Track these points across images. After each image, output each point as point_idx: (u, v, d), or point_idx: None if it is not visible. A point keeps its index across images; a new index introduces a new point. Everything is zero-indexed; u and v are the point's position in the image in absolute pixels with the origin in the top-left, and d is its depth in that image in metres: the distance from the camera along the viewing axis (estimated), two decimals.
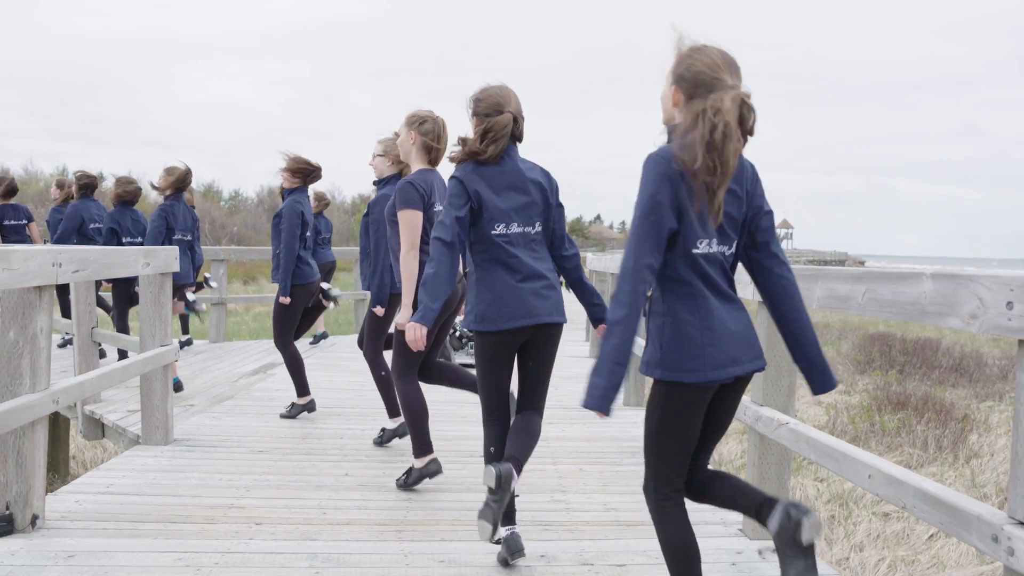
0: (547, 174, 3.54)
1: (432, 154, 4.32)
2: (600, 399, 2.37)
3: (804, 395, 13.35)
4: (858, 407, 12.09)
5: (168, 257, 5.38)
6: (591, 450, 5.49)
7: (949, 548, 7.05)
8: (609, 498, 4.44)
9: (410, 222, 4.16)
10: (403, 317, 4.15)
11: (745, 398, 3.86)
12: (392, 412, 5.41)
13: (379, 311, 5.14)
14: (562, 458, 5.24)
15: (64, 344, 9.80)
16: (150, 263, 5.10)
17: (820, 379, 2.66)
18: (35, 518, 3.77)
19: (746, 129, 2.44)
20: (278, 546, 3.65)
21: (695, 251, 2.46)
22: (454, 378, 4.68)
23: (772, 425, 3.49)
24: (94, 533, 3.76)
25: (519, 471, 3.28)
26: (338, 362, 9.24)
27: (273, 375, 8.33)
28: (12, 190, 9.60)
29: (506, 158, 3.40)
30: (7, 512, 3.71)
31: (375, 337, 5.24)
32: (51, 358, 3.88)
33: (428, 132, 4.26)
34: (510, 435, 3.41)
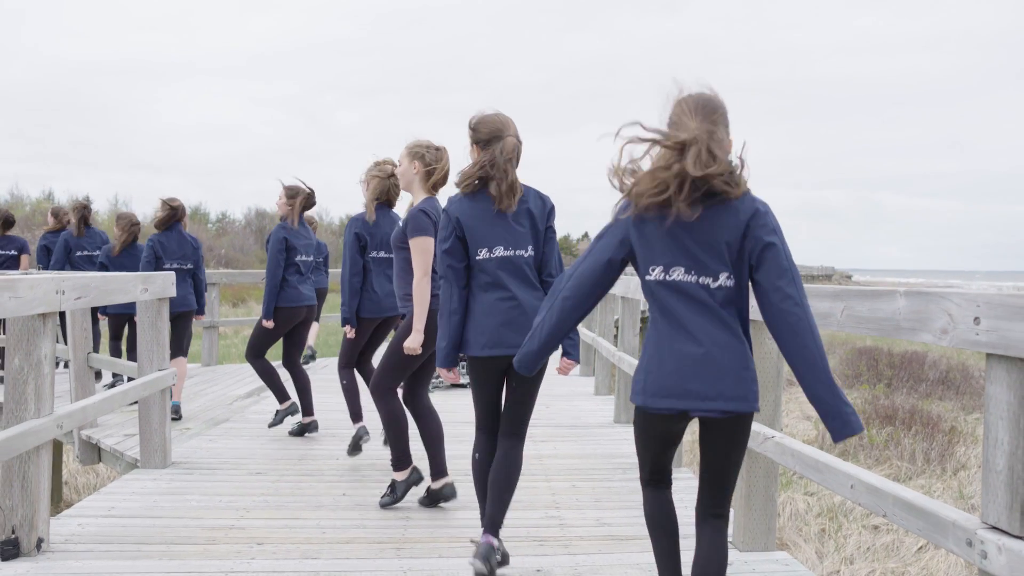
0: (542, 197, 3.65)
1: (432, 182, 4.42)
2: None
3: (793, 410, 13.50)
4: None
5: (165, 283, 5.47)
6: (583, 467, 5.59)
7: (938, 560, 7.16)
8: (602, 513, 4.53)
9: (423, 249, 4.27)
10: (414, 342, 4.27)
11: None
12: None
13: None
14: (555, 475, 5.34)
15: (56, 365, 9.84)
16: (148, 288, 5.20)
17: (835, 424, 2.48)
18: (40, 541, 3.85)
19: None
20: (280, 565, 3.73)
21: (647, 278, 2.58)
22: (425, 428, 4.64)
23: (759, 439, 3.61)
24: (99, 555, 3.84)
25: (497, 531, 3.52)
26: (330, 383, 9.30)
27: (266, 397, 8.40)
28: (8, 222, 9.68)
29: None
30: (13, 536, 3.78)
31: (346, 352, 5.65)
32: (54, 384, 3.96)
33: (430, 162, 4.37)
34: (490, 486, 3.57)
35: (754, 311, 3.68)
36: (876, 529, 8.37)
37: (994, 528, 2.22)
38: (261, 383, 9.34)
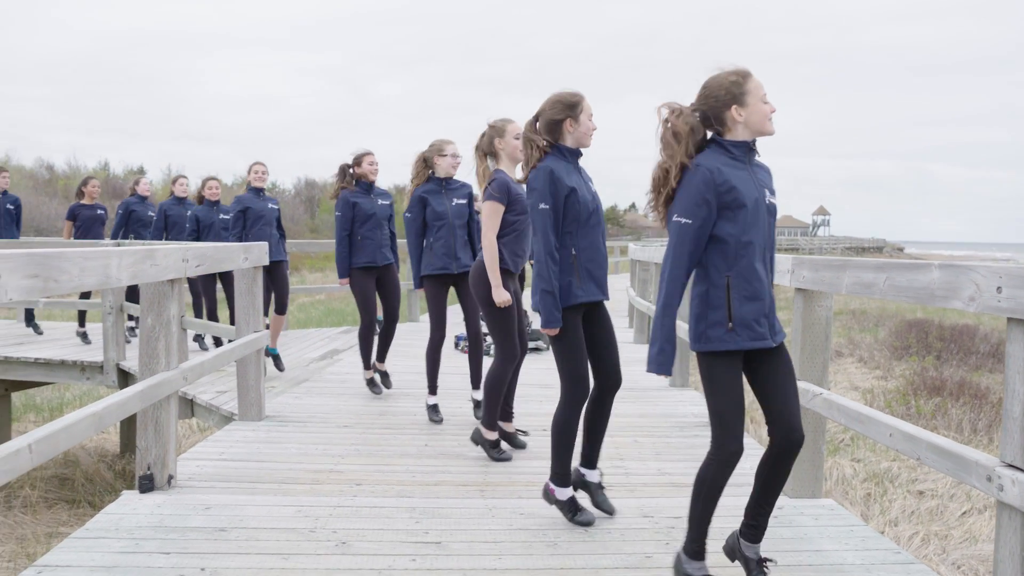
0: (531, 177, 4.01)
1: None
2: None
3: (841, 380, 13.77)
4: (894, 392, 12.49)
5: (261, 252, 5.99)
6: (643, 424, 6.04)
7: (981, 524, 7.50)
8: (663, 464, 4.98)
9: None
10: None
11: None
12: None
13: None
14: (618, 432, 5.79)
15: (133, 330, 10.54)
16: (248, 257, 5.72)
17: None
18: (170, 477, 4.40)
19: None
20: (380, 502, 4.24)
21: None
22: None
23: (808, 396, 4.02)
24: (221, 491, 4.39)
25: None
26: (397, 348, 9.85)
27: (340, 360, 8.97)
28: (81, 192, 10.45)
29: None
30: (149, 472, 4.34)
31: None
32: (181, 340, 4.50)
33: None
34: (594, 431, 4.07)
35: (806, 281, 4.09)
36: (921, 494, 8.71)
37: (1010, 466, 2.62)
38: (332, 347, 9.93)
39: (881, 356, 15.70)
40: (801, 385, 4.14)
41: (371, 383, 6.99)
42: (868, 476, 9.14)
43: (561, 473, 3.96)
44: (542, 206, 3.73)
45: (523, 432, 5.41)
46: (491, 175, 4.87)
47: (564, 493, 3.96)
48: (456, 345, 9.94)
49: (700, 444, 5.35)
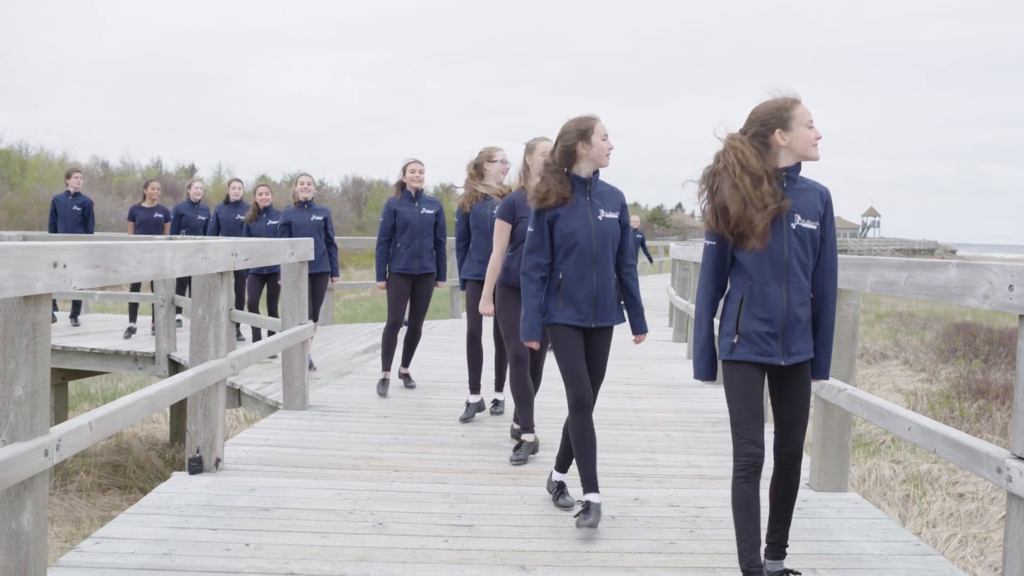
0: None
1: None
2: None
3: (885, 383, 13.70)
4: (938, 394, 12.41)
5: (306, 247, 6.21)
6: (676, 420, 6.15)
7: None
8: (692, 458, 5.10)
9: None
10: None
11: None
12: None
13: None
14: (650, 426, 5.91)
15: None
16: (294, 252, 5.94)
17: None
18: (218, 461, 4.62)
19: None
20: (416, 487, 4.42)
21: None
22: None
23: (833, 392, 4.11)
24: (265, 474, 4.60)
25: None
26: (439, 343, 10.05)
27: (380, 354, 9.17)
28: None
29: None
30: (198, 455, 4.56)
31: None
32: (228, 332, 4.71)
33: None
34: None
35: (842, 280, 4.19)
36: (961, 497, 8.68)
37: (1019, 458, 2.71)
38: (376, 341, 10.16)
39: (927, 359, 15.56)
40: (827, 382, 4.22)
41: (382, 383, 7.00)
42: (907, 478, 9.12)
43: (561, 459, 4.21)
44: (529, 229, 3.99)
45: None
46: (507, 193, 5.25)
47: (557, 476, 4.22)
48: None
49: (731, 439, 5.45)
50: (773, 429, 3.20)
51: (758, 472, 3.08)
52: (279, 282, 8.97)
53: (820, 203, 3.13)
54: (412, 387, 7.14)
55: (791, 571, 3.23)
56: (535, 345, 4.02)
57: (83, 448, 3.09)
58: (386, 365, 7.01)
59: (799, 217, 3.07)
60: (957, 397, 12.01)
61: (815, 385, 4.33)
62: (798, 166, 3.12)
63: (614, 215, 3.99)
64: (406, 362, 7.19)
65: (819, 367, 3.25)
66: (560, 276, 3.93)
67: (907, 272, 3.43)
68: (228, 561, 3.39)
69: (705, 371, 3.21)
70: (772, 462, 3.26)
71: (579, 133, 3.89)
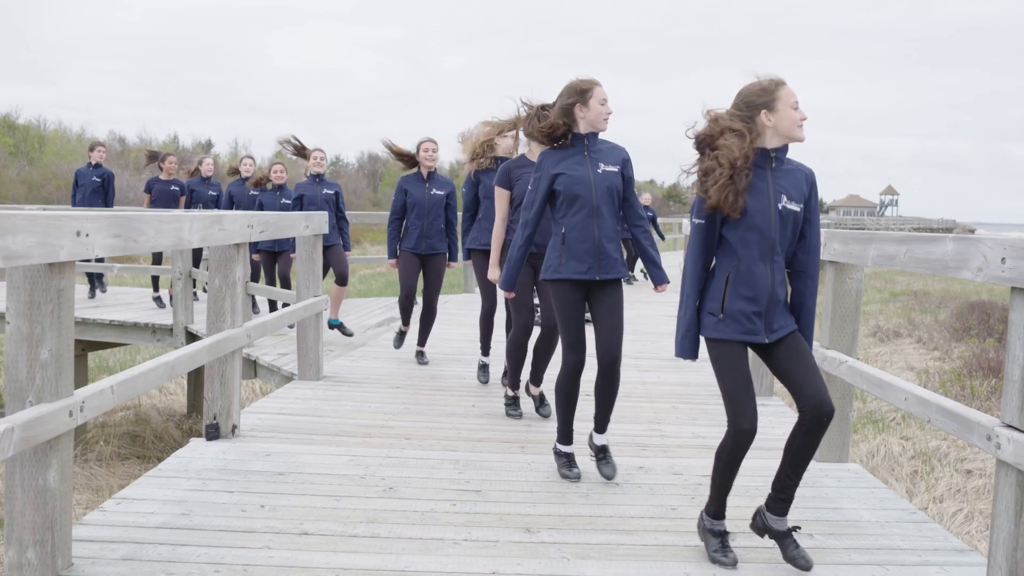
0: None
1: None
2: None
3: (898, 361, 13.73)
4: (950, 372, 12.44)
5: (321, 221, 6.31)
6: (683, 392, 6.24)
7: None
8: (697, 428, 5.20)
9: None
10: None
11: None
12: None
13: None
14: (658, 398, 6.01)
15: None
16: (308, 226, 6.05)
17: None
18: (234, 427, 4.75)
19: None
20: (426, 454, 4.54)
21: None
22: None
23: (835, 363, 4.20)
24: (280, 440, 4.73)
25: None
26: (452, 317, 10.16)
27: (395, 327, 9.29)
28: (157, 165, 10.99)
29: None
30: (215, 422, 4.69)
31: None
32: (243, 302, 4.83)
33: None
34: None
35: (836, 254, 4.25)
36: (969, 473, 8.76)
37: (1008, 426, 2.79)
38: (389, 315, 10.29)
39: (941, 337, 15.57)
40: (829, 353, 4.31)
41: (399, 335, 7.35)
42: (916, 454, 9.19)
43: (561, 431, 4.25)
44: (529, 186, 4.13)
45: None
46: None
47: (561, 448, 4.27)
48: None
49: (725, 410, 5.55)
50: (793, 399, 3.20)
51: (750, 442, 3.17)
52: (291, 256, 9.12)
53: (806, 185, 3.21)
54: (425, 364, 7.26)
55: (795, 528, 3.28)
56: (510, 294, 4.29)
57: (106, 410, 3.21)
58: (405, 321, 7.29)
59: (785, 198, 3.14)
60: (969, 375, 12.03)
61: (817, 357, 4.41)
62: (785, 147, 3.18)
63: (614, 168, 4.07)
64: (422, 340, 7.29)
65: (805, 333, 3.31)
66: (563, 230, 4.02)
67: (906, 246, 3.50)
68: (244, 521, 3.52)
69: (689, 350, 3.26)
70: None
71: (578, 94, 3.97)
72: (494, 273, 5.32)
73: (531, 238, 4.15)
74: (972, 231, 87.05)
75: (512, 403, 5.48)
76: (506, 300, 5.28)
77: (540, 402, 5.48)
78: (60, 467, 2.92)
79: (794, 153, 3.24)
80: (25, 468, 2.86)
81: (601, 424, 4.22)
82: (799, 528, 3.29)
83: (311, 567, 3.10)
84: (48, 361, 2.85)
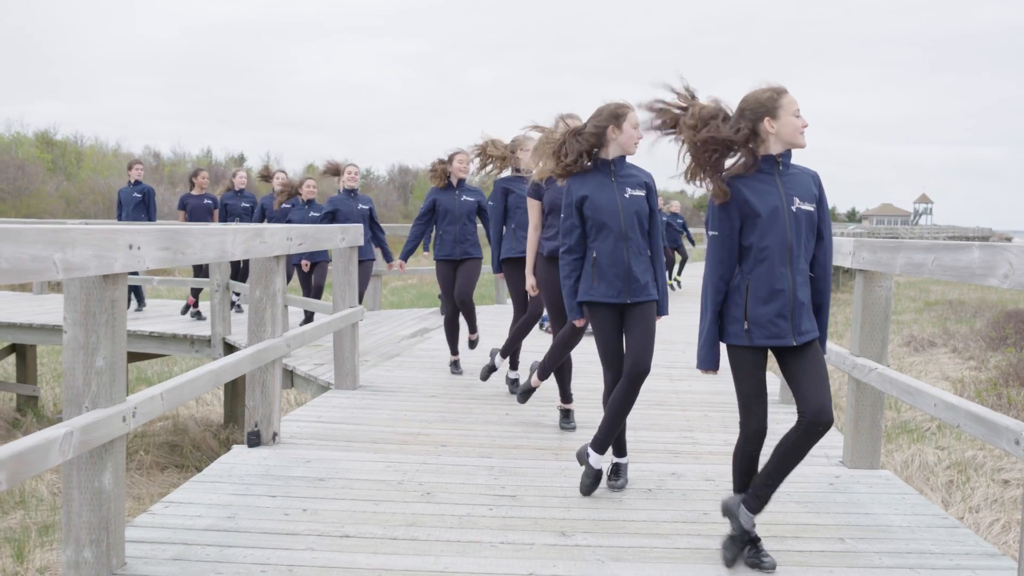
0: None
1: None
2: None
3: (933, 371, 13.64)
4: (986, 382, 12.34)
5: (356, 233, 6.45)
6: (714, 400, 6.30)
7: None
8: (729, 436, 5.25)
9: None
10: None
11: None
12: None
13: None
14: (689, 406, 6.07)
15: (235, 306, 11.26)
16: (344, 238, 6.18)
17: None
18: (275, 435, 4.88)
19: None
20: (462, 461, 4.64)
21: None
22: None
23: (865, 371, 4.24)
24: (320, 447, 4.85)
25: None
26: (484, 328, 10.22)
27: (429, 338, 9.43)
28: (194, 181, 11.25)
29: None
30: (256, 429, 4.82)
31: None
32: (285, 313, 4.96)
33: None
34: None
35: (865, 262, 4.30)
36: (1006, 483, 8.69)
37: None
38: (423, 326, 10.41)
39: (976, 347, 15.43)
40: (859, 361, 4.36)
41: (453, 364, 7.36)
42: (951, 464, 9.14)
43: (601, 440, 4.14)
44: (563, 214, 4.20)
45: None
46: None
47: (597, 460, 4.13)
48: (540, 326, 10.30)
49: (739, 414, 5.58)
50: (796, 404, 3.26)
51: (761, 443, 3.31)
52: (328, 266, 9.30)
53: (814, 185, 3.29)
54: (459, 374, 7.33)
55: (756, 538, 3.34)
56: (581, 322, 4.26)
57: (155, 416, 3.34)
58: (453, 350, 7.34)
59: (798, 200, 3.22)
60: (1005, 384, 11.94)
61: (847, 365, 4.46)
62: (789, 153, 3.27)
63: (641, 193, 4.14)
64: (472, 328, 7.29)
65: (820, 342, 3.37)
66: (594, 254, 4.10)
67: (934, 254, 3.55)
68: (287, 524, 3.63)
69: (711, 362, 3.35)
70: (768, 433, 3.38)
71: (613, 117, 4.05)
72: (530, 280, 5.42)
73: (579, 262, 4.18)
74: (1009, 239, 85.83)
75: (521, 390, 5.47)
76: (552, 312, 5.26)
77: (565, 417, 5.49)
78: (114, 470, 3.05)
79: (812, 161, 3.33)
80: (82, 471, 2.99)
81: (598, 441, 4.11)
82: (759, 540, 3.34)
83: (353, 567, 3.20)
84: (103, 368, 2.99)
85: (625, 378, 4.07)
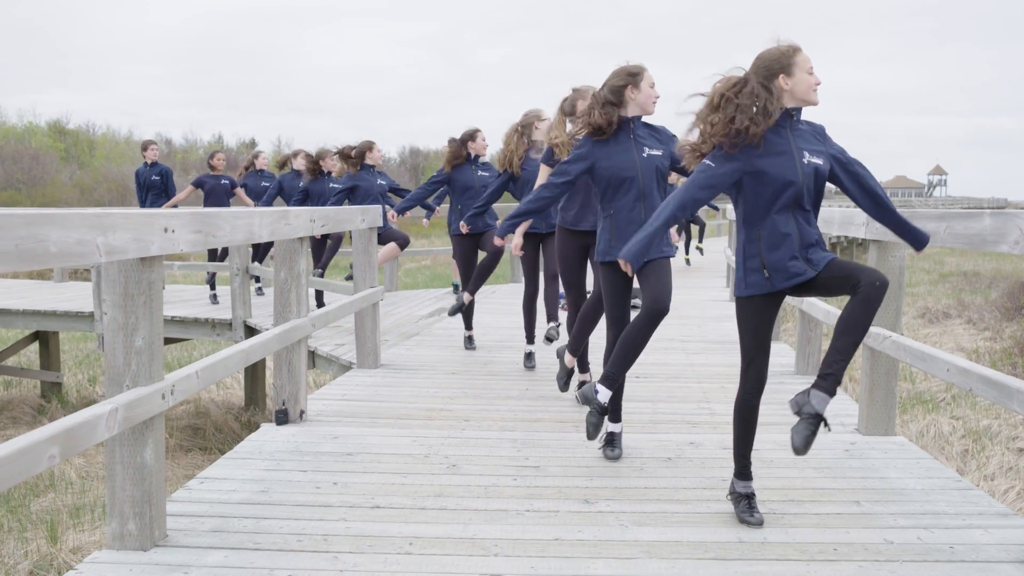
0: None
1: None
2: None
3: (947, 342, 13.67)
4: (1001, 352, 12.39)
5: (376, 214, 6.55)
6: (730, 373, 6.39)
7: None
8: None
9: None
10: None
11: None
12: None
13: None
14: (706, 379, 6.17)
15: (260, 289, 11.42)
16: (364, 219, 6.28)
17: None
18: (302, 412, 5.01)
19: None
20: (485, 434, 4.75)
21: None
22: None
23: (879, 339, 4.33)
24: (346, 424, 4.97)
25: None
26: (501, 306, 10.38)
27: (446, 317, 9.54)
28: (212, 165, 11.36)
29: None
30: (284, 407, 4.95)
31: None
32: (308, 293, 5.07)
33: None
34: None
35: (879, 232, 4.38)
36: (1021, 451, 8.76)
37: None
38: (440, 306, 10.53)
39: (991, 317, 15.45)
40: (874, 329, 4.44)
41: (468, 340, 7.48)
42: (967, 433, 9.21)
43: (613, 376, 4.06)
44: (567, 158, 4.35)
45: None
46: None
47: (606, 396, 4.02)
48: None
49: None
50: (849, 289, 3.24)
51: (760, 392, 3.45)
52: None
53: (820, 138, 3.41)
54: (472, 349, 7.44)
55: (825, 421, 3.27)
56: (499, 241, 4.64)
57: (192, 393, 3.46)
58: (468, 324, 7.52)
59: (807, 154, 3.33)
60: (1021, 354, 11.98)
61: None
62: (800, 110, 3.37)
63: (659, 151, 4.22)
64: (474, 288, 7.09)
65: (918, 238, 3.52)
66: (611, 211, 4.18)
67: (946, 223, 3.63)
68: (319, 496, 3.76)
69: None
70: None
71: (630, 76, 4.13)
72: (517, 240, 5.85)
73: (546, 200, 4.32)
74: None
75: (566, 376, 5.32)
76: (566, 282, 5.24)
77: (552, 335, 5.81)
78: (155, 446, 3.17)
79: (827, 120, 3.46)
80: (125, 447, 3.12)
81: (608, 377, 4.02)
82: (828, 428, 3.31)
83: (386, 536, 3.32)
84: (142, 348, 3.10)
85: (644, 314, 3.99)
